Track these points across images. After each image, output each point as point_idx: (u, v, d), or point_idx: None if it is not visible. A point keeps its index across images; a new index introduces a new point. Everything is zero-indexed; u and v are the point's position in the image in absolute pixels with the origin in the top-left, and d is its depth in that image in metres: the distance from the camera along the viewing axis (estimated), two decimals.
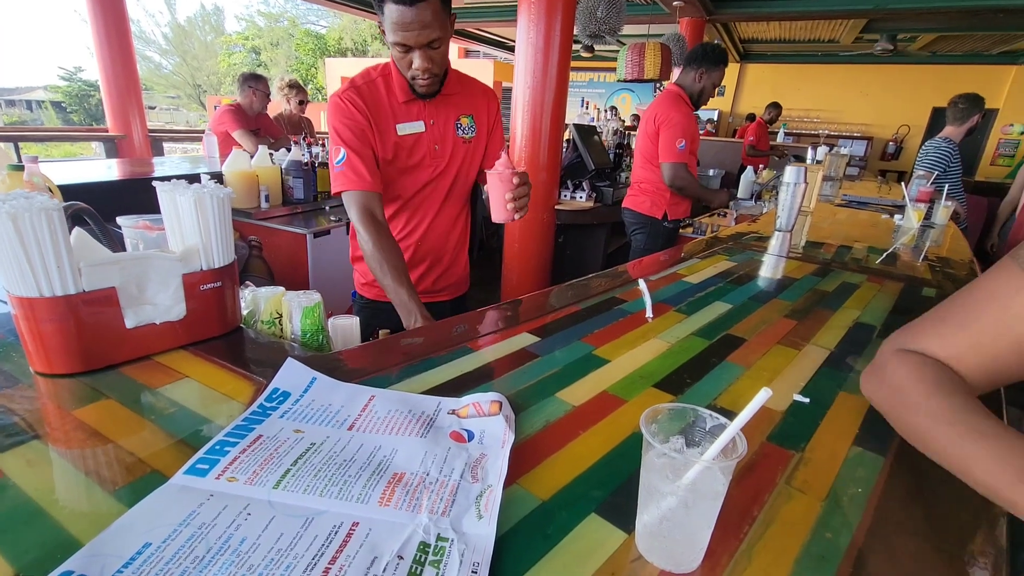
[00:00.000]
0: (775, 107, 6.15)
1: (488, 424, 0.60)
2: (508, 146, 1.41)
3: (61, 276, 0.61)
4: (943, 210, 2.28)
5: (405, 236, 1.34)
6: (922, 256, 1.70)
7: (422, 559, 0.42)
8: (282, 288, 0.88)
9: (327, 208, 2.77)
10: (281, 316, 0.85)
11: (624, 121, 6.18)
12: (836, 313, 1.07)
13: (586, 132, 3.45)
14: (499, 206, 1.05)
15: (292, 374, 0.65)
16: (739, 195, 3.93)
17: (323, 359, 0.75)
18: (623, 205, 2.74)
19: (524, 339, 0.85)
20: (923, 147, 3.39)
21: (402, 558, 0.42)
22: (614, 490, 0.51)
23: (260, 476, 0.49)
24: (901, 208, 2.34)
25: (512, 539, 0.45)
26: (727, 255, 1.52)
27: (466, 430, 0.59)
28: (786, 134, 8.74)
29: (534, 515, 0.48)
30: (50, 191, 1.39)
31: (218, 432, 0.55)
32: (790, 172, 1.82)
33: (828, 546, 0.46)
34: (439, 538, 0.44)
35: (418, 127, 1.24)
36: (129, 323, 0.68)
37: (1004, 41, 7.10)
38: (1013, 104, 7.98)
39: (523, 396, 0.68)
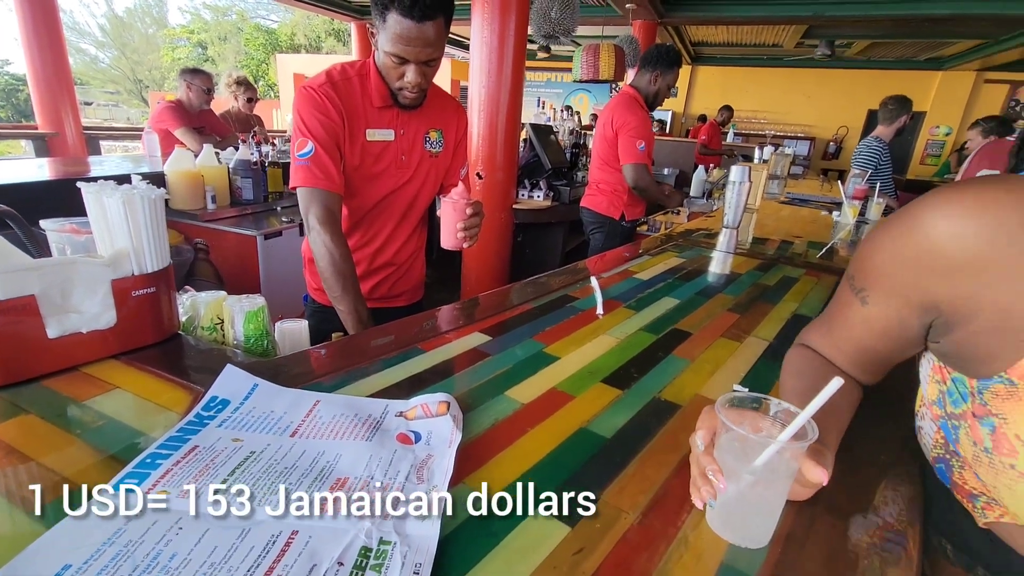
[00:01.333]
0: (727, 110, 6.38)
1: (435, 425, 0.60)
2: (467, 161, 1.40)
3: None
4: (876, 206, 2.42)
5: (363, 246, 1.31)
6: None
7: (363, 564, 0.41)
8: (223, 292, 0.84)
9: (278, 209, 2.69)
10: (223, 321, 0.82)
11: (582, 121, 6.26)
12: (776, 306, 1.12)
13: (543, 132, 3.47)
14: (450, 234, 1.06)
15: (232, 381, 0.63)
16: (692, 193, 4.05)
17: (268, 365, 0.73)
18: (581, 205, 2.77)
19: (476, 339, 0.85)
20: (857, 146, 3.60)
21: (342, 564, 0.41)
22: (558, 486, 0.52)
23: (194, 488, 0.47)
24: (839, 205, 2.47)
25: (457, 538, 0.45)
26: (677, 252, 1.56)
27: (413, 432, 0.59)
28: (736, 134, 9.08)
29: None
30: None
31: (150, 445, 0.53)
32: (736, 171, 1.89)
33: None
34: (381, 541, 0.43)
35: (388, 135, 1.21)
36: (51, 332, 0.64)
37: (931, 48, 7.60)
38: (939, 107, 8.55)
39: (473, 395, 0.68)
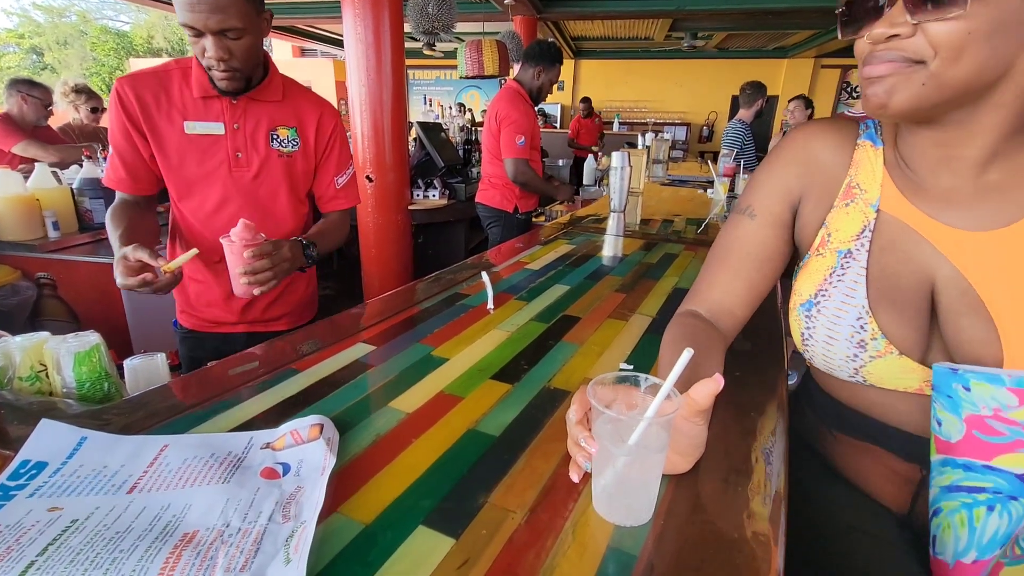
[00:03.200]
0: (585, 101, 6.72)
1: (306, 452, 0.54)
2: (347, 170, 1.29)
3: None
4: (742, 182, 2.64)
5: (215, 260, 1.17)
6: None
7: None
8: (45, 333, 0.72)
9: None
10: (46, 368, 0.69)
11: (473, 117, 6.26)
12: (658, 282, 1.17)
13: (432, 130, 3.41)
14: (234, 279, 0.96)
15: (49, 438, 0.53)
16: (584, 182, 4.20)
17: (107, 411, 0.63)
18: (476, 200, 2.76)
19: (358, 350, 0.80)
20: (725, 129, 3.95)
21: None
22: (444, 496, 0.49)
23: None
24: (712, 183, 2.67)
25: (328, 574, 0.41)
26: (568, 239, 1.59)
27: (280, 463, 0.53)
28: (620, 123, 9.57)
29: (355, 543, 0.44)
30: None
31: None
32: (616, 157, 1.97)
33: None
34: None
35: (214, 128, 1.10)
36: None
37: (776, 38, 8.51)
38: (789, 90, 9.55)
39: (353, 412, 0.63)
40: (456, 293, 1.07)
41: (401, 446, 0.57)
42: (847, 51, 8.40)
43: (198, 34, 0.97)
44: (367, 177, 2.88)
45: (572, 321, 0.93)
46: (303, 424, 0.57)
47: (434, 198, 3.25)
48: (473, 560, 0.42)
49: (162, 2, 5.85)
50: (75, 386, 0.69)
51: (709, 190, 2.66)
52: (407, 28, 3.36)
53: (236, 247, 0.92)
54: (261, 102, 1.13)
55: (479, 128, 4.77)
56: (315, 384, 0.70)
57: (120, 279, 0.89)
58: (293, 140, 1.17)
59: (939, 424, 0.54)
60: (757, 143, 3.96)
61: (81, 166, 2.34)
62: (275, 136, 1.15)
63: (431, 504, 0.48)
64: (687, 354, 0.44)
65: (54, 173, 2.24)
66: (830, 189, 0.66)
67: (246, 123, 1.12)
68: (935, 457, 0.55)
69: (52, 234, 2.13)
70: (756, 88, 3.74)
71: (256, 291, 0.95)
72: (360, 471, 0.53)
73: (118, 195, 1.14)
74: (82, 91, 3.32)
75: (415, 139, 3.46)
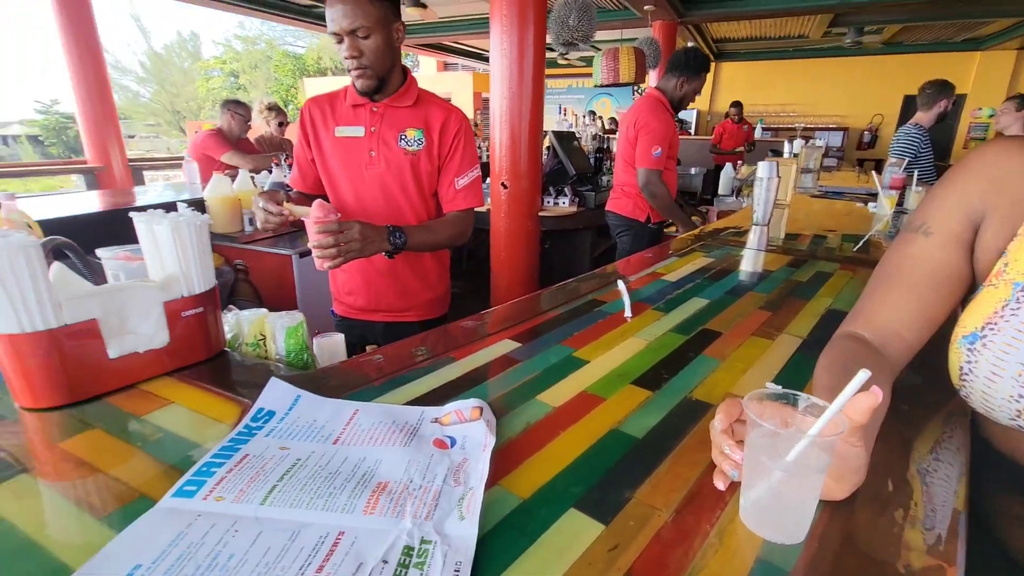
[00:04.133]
0: (736, 105, 6.26)
1: (469, 429, 0.61)
2: (469, 172, 1.38)
3: (42, 311, 0.62)
4: (915, 195, 2.34)
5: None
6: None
7: (406, 562, 0.43)
8: (265, 310, 0.89)
9: None
10: (265, 338, 0.86)
11: (603, 125, 6.24)
12: (809, 302, 1.10)
13: (565, 138, 3.49)
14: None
15: (276, 393, 0.66)
16: (720, 192, 3.99)
17: (308, 377, 0.77)
18: (607, 208, 2.77)
19: (506, 345, 0.87)
20: (895, 134, 3.48)
21: (387, 562, 0.43)
22: (592, 485, 0.53)
23: (247, 494, 0.50)
24: (876, 196, 2.39)
25: (493, 538, 0.47)
26: (705, 252, 1.55)
27: (448, 436, 0.61)
28: (764, 129, 8.89)
29: (515, 514, 0.50)
30: (29, 227, 1.39)
31: (205, 455, 0.56)
32: (763, 167, 1.87)
33: None
34: (423, 541, 0.45)
35: (357, 131, 1.29)
36: (112, 353, 0.69)
37: (967, 28, 7.30)
38: (980, 88, 8.18)
39: (505, 401, 0.70)
40: (592, 300, 1.10)
41: (549, 436, 0.62)
42: None
43: (339, 40, 1.16)
44: (502, 184, 3.03)
45: (712, 335, 0.92)
46: (465, 405, 0.65)
47: (564, 205, 3.31)
48: (623, 547, 0.46)
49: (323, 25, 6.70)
50: (284, 354, 0.84)
51: (871, 204, 2.39)
52: (548, 39, 3.48)
53: (310, 224, 1.05)
54: (396, 108, 1.29)
55: (610, 136, 4.77)
56: (470, 372, 0.78)
57: (260, 202, 1.14)
58: (419, 140, 1.30)
59: None
60: (936, 152, 3.44)
61: (271, 172, 2.78)
62: (403, 136, 1.29)
63: (581, 490, 0.52)
64: (863, 375, 0.43)
65: (251, 178, 2.69)
66: (1017, 215, 0.59)
67: (382, 126, 1.29)
68: None
69: (247, 228, 2.56)
70: (940, 87, 3.24)
71: (326, 265, 1.07)
72: (515, 452, 0.59)
73: (293, 192, 1.40)
74: (273, 108, 3.93)
75: (548, 147, 3.57)
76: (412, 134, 1.30)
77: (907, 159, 3.10)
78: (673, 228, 2.66)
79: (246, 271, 2.57)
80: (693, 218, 2.77)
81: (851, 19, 6.67)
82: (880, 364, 0.62)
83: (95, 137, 4.69)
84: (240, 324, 0.87)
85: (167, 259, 0.75)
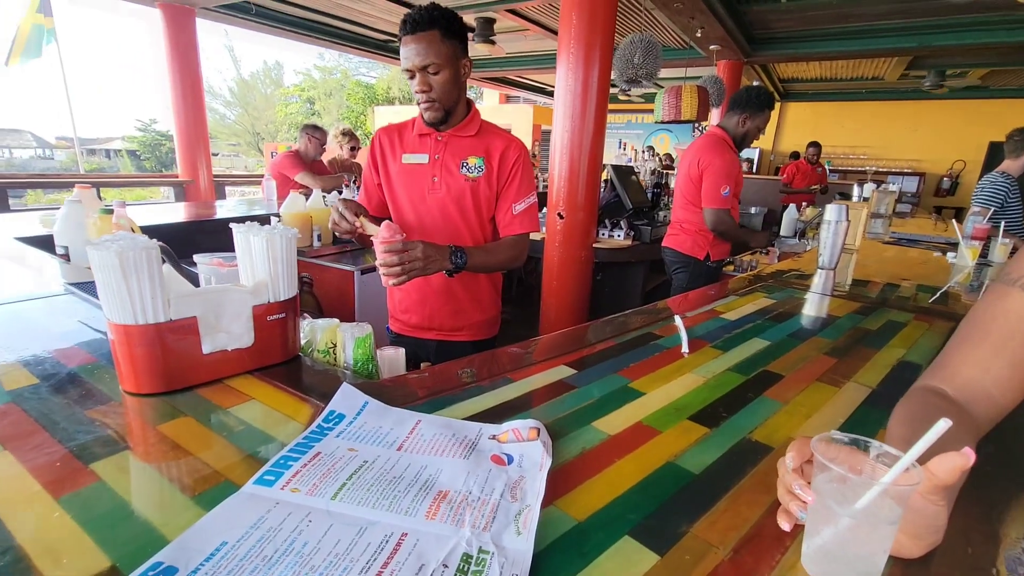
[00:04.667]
0: (814, 146, 6.07)
1: (527, 449, 0.63)
2: (527, 198, 1.42)
3: (155, 306, 0.70)
4: (1001, 247, 2.19)
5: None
6: (982, 296, 1.64)
7: (465, 568, 0.45)
8: (337, 320, 0.95)
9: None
10: (335, 346, 0.92)
11: (661, 160, 6.23)
12: (880, 352, 1.05)
13: (624, 172, 3.52)
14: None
15: (347, 398, 0.71)
16: (782, 233, 3.87)
17: (373, 386, 0.81)
18: (664, 244, 2.75)
19: (561, 371, 0.89)
20: (980, 182, 3.29)
21: (447, 567, 0.45)
22: (648, 514, 0.53)
23: (319, 488, 0.54)
24: (955, 246, 2.26)
25: (549, 555, 0.48)
26: (766, 293, 1.51)
27: (506, 454, 0.63)
28: (831, 171, 8.58)
29: (570, 534, 0.51)
30: (133, 232, 1.54)
31: (280, 448, 0.61)
32: (831, 210, 1.82)
33: None
34: (480, 551, 0.47)
35: (421, 158, 1.37)
36: (206, 349, 0.76)
37: None
38: None
39: (560, 424, 0.71)
40: (649, 333, 1.10)
41: (605, 463, 0.63)
42: None
43: (411, 75, 1.25)
44: (558, 214, 3.08)
45: (774, 378, 0.90)
46: (523, 425, 0.67)
47: (619, 238, 3.32)
48: None
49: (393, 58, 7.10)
50: (352, 362, 0.89)
51: (950, 254, 2.26)
52: (612, 76, 3.55)
53: (377, 243, 1.10)
54: (460, 137, 1.36)
55: (668, 172, 4.75)
56: (526, 393, 0.80)
57: (340, 206, 1.19)
58: (479, 167, 1.37)
59: None
60: None
61: (340, 192, 2.94)
62: (465, 164, 1.36)
63: (636, 518, 0.53)
64: (943, 424, 0.42)
65: (323, 197, 2.86)
66: None
67: (445, 154, 1.36)
68: None
69: (315, 244, 2.72)
70: None
71: (391, 281, 1.13)
72: (571, 475, 0.60)
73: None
74: (347, 134, 4.19)
75: (606, 180, 3.60)
76: (473, 161, 1.37)
77: (992, 208, 2.92)
78: (731, 267, 2.60)
79: (311, 284, 2.70)
80: (759, 234, 2.72)
81: (932, 62, 6.41)
82: (964, 420, 0.58)
83: (187, 154, 5.15)
84: (314, 331, 0.93)
85: (259, 267, 0.82)
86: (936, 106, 8.41)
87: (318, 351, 0.93)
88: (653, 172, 3.98)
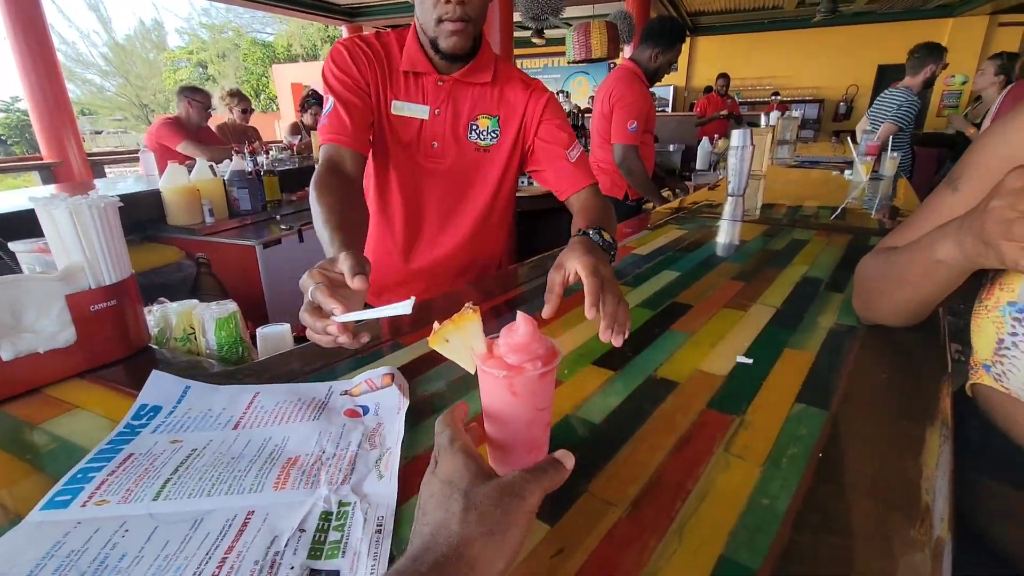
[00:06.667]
0: (723, 77, 6.18)
1: (382, 396, 0.59)
2: (572, 144, 1.05)
3: None
4: (890, 161, 2.30)
5: (395, 249, 1.11)
6: (875, 208, 1.70)
7: (325, 527, 0.41)
8: (195, 301, 0.81)
9: (277, 217, 2.67)
10: (195, 331, 0.78)
11: (579, 105, 6.14)
12: (784, 270, 1.05)
13: None
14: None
15: (161, 386, 0.60)
16: (698, 167, 3.95)
17: (241, 371, 0.70)
18: None
19: None
20: (881, 97, 3.30)
21: (304, 530, 0.40)
22: None
23: (135, 493, 0.45)
24: (851, 164, 2.36)
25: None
26: (679, 225, 1.49)
27: (360, 406, 0.58)
28: (741, 102, 8.85)
29: None
30: None
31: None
32: (736, 135, 1.81)
33: (765, 514, 0.43)
34: (341, 504, 0.43)
35: (419, 111, 0.98)
36: (5, 355, 0.61)
37: None
38: (953, 55, 8.08)
39: (457, 385, 0.64)
40: None
41: None
42: None
43: None
44: None
45: (683, 309, 0.87)
46: (375, 374, 0.62)
47: (538, 185, 3.24)
48: (569, 551, 0.40)
49: (295, 10, 6.46)
50: (216, 348, 0.77)
51: (847, 171, 2.35)
52: (516, 16, 3.37)
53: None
54: (468, 84, 1.00)
55: (585, 114, 4.67)
56: (422, 355, 0.72)
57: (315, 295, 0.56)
58: (493, 132, 1.03)
59: None
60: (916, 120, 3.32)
61: (231, 161, 2.65)
62: (474, 127, 1.02)
63: None
64: None
65: (211, 167, 2.57)
66: None
67: (447, 109, 1.00)
68: None
69: (208, 219, 2.45)
70: (928, 51, 3.08)
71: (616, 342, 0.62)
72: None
73: (326, 162, 0.92)
74: (235, 95, 3.77)
75: None
76: (485, 124, 1.02)
77: (901, 124, 3.03)
78: (650, 204, 2.60)
79: (208, 264, 2.46)
80: (665, 193, 2.70)
81: None
82: None
83: (49, 132, 4.47)
84: (167, 317, 0.79)
85: (70, 247, 0.67)
86: (830, 33, 8.77)
87: (175, 339, 0.79)
88: (569, 115, 3.89)
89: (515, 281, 1.03)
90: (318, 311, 0.55)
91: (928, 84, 3.17)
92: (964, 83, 8.22)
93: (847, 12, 7.93)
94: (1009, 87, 2.99)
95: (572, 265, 0.68)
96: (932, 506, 0.44)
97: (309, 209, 0.83)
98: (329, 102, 0.95)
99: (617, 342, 0.62)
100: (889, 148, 2.33)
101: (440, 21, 0.89)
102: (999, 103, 2.97)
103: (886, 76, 8.04)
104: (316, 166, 0.91)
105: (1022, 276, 0.54)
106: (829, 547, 0.40)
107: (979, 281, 0.63)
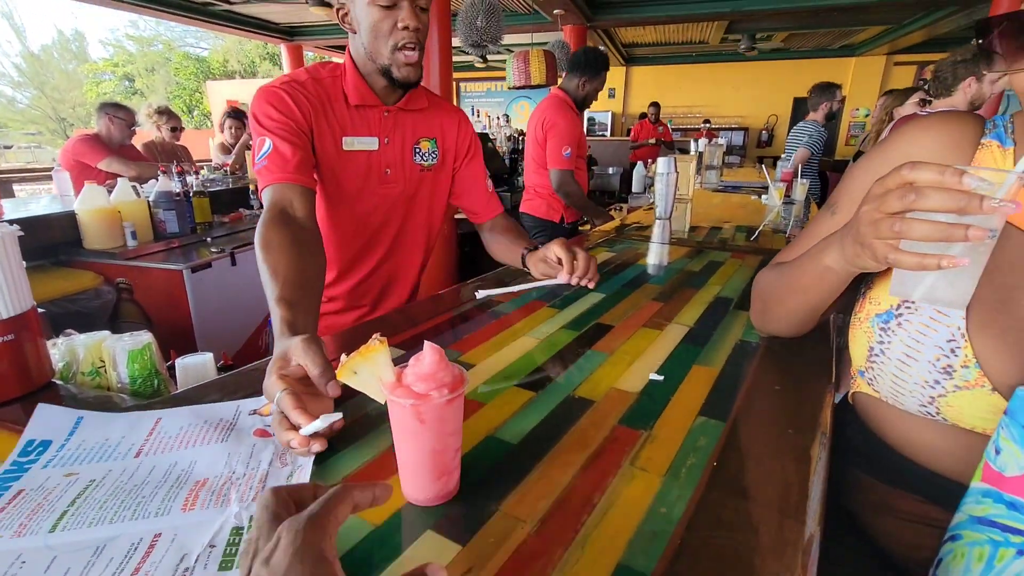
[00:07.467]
0: (654, 106, 6.56)
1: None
2: (487, 176, 1.26)
3: None
4: (800, 186, 2.52)
5: (342, 279, 1.16)
6: (788, 231, 1.85)
7: (236, 540, 0.41)
8: (105, 332, 0.77)
9: (208, 240, 2.56)
10: (105, 364, 0.75)
11: (520, 129, 6.31)
12: (700, 291, 1.12)
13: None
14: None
15: (48, 420, 0.58)
16: (633, 189, 4.13)
17: (145, 407, 0.67)
18: (520, 210, 2.77)
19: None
20: (794, 129, 3.68)
21: (214, 546, 0.40)
22: (455, 502, 0.49)
23: (29, 526, 0.43)
24: (767, 188, 2.55)
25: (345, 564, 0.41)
26: (608, 247, 1.57)
27: (269, 425, 0.56)
28: (674, 129, 9.36)
29: (362, 544, 0.44)
30: None
31: None
32: (662, 163, 1.93)
33: (661, 520, 0.47)
34: (252, 519, 0.42)
35: (370, 143, 1.03)
36: None
37: (843, 36, 8.08)
38: (857, 90, 9.06)
39: (376, 415, 0.64)
40: (489, 300, 1.07)
41: None
42: (924, 46, 7.84)
43: (392, 6, 0.90)
44: None
45: (604, 329, 0.91)
46: None
47: None
48: (477, 568, 0.42)
49: (231, 28, 6.29)
50: (128, 381, 0.74)
51: (763, 196, 2.54)
52: (456, 42, 3.44)
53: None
54: (408, 112, 1.07)
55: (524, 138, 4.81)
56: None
57: (271, 400, 0.55)
58: (433, 152, 1.12)
59: (996, 452, 0.48)
60: (825, 148, 3.72)
61: (157, 180, 2.53)
62: (417, 149, 1.10)
63: (442, 510, 0.48)
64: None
65: (134, 187, 2.44)
66: None
67: (395, 136, 1.07)
68: (975, 484, 0.49)
69: (131, 243, 2.32)
70: (821, 90, 3.51)
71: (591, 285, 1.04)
72: (374, 474, 0.53)
73: (271, 209, 0.89)
74: (164, 112, 3.61)
75: None
76: (426, 146, 1.10)
77: (811, 152, 3.34)
78: (587, 226, 2.70)
79: (130, 290, 2.32)
80: (610, 211, 2.83)
81: (743, 26, 7.18)
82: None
83: None
84: (73, 350, 0.75)
85: None
86: (752, 68, 9.49)
87: (82, 373, 0.75)
88: (509, 138, 3.99)
89: (431, 311, 1.05)
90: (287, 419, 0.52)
91: (830, 117, 3.54)
92: (867, 115, 9.08)
93: (765, 49, 8.62)
94: (892, 123, 3.35)
95: (552, 250, 1.02)
96: (807, 505, 0.49)
97: (243, 231, 0.82)
98: (267, 144, 0.93)
99: (591, 285, 1.01)
100: (799, 174, 2.55)
101: (396, 49, 0.93)
102: (883, 138, 3.35)
103: (800, 108, 8.76)
104: (263, 213, 0.89)
105: (887, 290, 0.62)
106: (715, 547, 0.44)
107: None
